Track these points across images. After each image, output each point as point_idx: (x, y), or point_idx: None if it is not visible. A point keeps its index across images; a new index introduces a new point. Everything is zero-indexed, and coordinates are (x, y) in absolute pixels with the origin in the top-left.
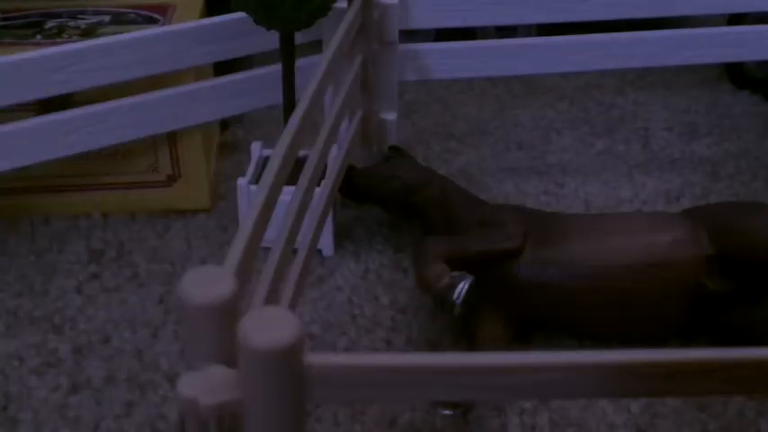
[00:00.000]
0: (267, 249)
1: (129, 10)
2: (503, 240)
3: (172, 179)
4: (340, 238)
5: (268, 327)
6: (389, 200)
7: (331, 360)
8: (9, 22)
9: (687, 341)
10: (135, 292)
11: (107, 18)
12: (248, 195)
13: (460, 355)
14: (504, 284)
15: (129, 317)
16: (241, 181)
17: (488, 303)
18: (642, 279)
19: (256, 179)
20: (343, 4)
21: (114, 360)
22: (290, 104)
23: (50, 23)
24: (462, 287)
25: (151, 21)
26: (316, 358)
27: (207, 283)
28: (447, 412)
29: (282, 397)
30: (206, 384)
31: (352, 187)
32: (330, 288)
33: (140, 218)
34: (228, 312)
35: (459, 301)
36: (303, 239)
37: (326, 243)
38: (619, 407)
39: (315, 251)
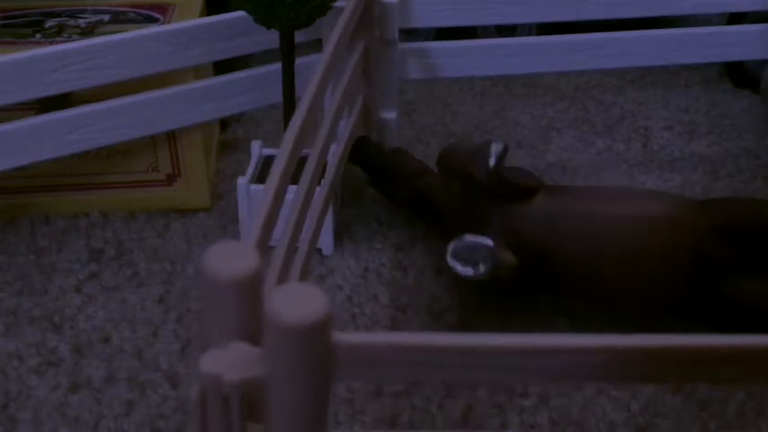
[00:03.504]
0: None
1: (129, 9)
2: (524, 176)
3: (172, 178)
4: (340, 236)
5: (297, 302)
6: (396, 180)
7: (358, 338)
8: (9, 21)
9: (689, 323)
10: (135, 292)
11: (107, 17)
12: (248, 194)
13: (486, 335)
14: (515, 227)
15: (129, 316)
16: (241, 180)
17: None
18: (652, 240)
19: (256, 178)
20: (344, 3)
21: (114, 359)
22: (289, 103)
23: (50, 22)
24: (497, 148)
25: (151, 20)
26: (343, 336)
27: (231, 258)
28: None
29: (308, 374)
30: (229, 361)
31: (364, 151)
32: (330, 287)
33: (140, 217)
34: (253, 287)
35: (493, 163)
36: (303, 238)
37: (326, 242)
38: (619, 405)
39: (314, 250)
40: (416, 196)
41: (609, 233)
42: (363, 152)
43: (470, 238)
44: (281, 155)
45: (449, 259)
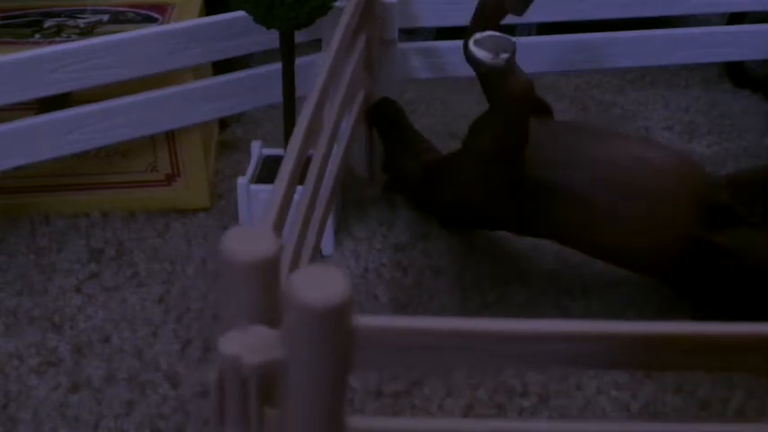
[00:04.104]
0: None
1: (128, 9)
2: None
3: (171, 178)
4: (339, 236)
5: (318, 284)
6: (407, 150)
7: (379, 321)
8: (8, 21)
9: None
10: (135, 292)
11: (106, 17)
12: (248, 194)
13: (511, 321)
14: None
15: (129, 316)
16: (241, 180)
17: None
18: (662, 182)
19: (256, 178)
20: (343, 4)
21: (114, 359)
22: (289, 103)
23: (49, 22)
24: None
25: (150, 20)
26: (364, 319)
27: (250, 241)
28: None
29: (328, 357)
30: (249, 343)
31: (382, 111)
32: None
33: (140, 217)
34: (273, 270)
35: None
36: (308, 238)
37: (326, 242)
38: (618, 405)
39: (318, 250)
40: (423, 169)
41: (604, 162)
42: (382, 112)
43: (495, 33)
44: (291, 152)
45: (471, 46)
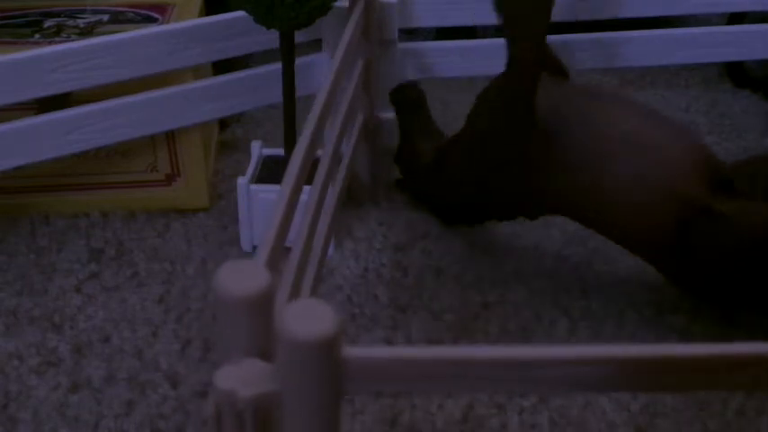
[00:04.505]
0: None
1: (128, 9)
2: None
3: (171, 178)
4: (339, 236)
5: (309, 318)
6: (424, 133)
7: (368, 353)
8: (7, 21)
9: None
10: (135, 292)
11: (106, 17)
12: (248, 194)
13: (499, 347)
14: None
15: (129, 316)
16: (241, 180)
17: None
18: (667, 147)
19: (256, 178)
20: (343, 4)
21: (114, 359)
22: (289, 103)
23: (49, 22)
24: None
25: (150, 20)
26: (353, 351)
27: (243, 277)
28: None
29: (320, 389)
30: (243, 377)
31: (403, 94)
32: (330, 287)
33: (140, 217)
34: (265, 305)
35: None
36: (315, 245)
37: None
38: (618, 405)
39: (327, 252)
40: (437, 155)
41: (611, 126)
42: (404, 93)
43: None
44: (298, 153)
45: None
